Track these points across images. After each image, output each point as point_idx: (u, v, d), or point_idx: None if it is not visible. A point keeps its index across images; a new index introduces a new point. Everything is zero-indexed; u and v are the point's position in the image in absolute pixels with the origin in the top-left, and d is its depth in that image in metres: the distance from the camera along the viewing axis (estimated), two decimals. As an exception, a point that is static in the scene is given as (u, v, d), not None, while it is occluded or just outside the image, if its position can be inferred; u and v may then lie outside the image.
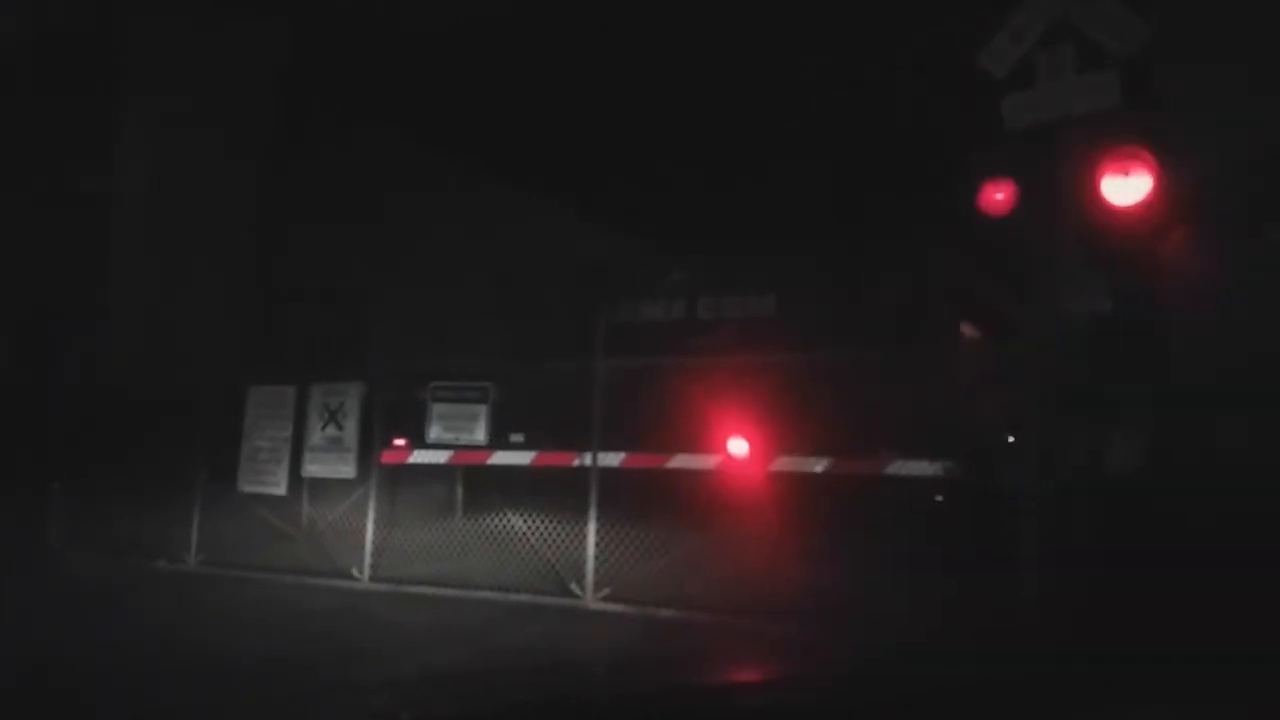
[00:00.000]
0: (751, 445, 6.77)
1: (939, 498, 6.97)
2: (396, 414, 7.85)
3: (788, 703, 1.91)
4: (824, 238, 12.46)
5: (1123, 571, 4.76)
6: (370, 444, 7.72)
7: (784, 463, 6.73)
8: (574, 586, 6.75)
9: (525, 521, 7.22)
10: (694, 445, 7.00)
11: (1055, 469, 5.10)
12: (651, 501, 7.04)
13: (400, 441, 7.88)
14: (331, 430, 7.86)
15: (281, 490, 8.10)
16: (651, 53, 12.16)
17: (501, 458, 7.53)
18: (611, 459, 7.00)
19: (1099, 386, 5.30)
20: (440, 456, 7.68)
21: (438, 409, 7.58)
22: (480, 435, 7.44)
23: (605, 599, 6.65)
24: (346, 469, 7.78)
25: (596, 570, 6.70)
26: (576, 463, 7.08)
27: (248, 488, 8.22)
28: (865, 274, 10.30)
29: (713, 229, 13.01)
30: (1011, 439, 5.75)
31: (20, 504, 9.09)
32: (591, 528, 6.77)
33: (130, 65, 12.91)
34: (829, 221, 12.93)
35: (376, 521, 7.61)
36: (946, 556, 5.79)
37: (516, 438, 7.64)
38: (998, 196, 5.27)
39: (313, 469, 7.98)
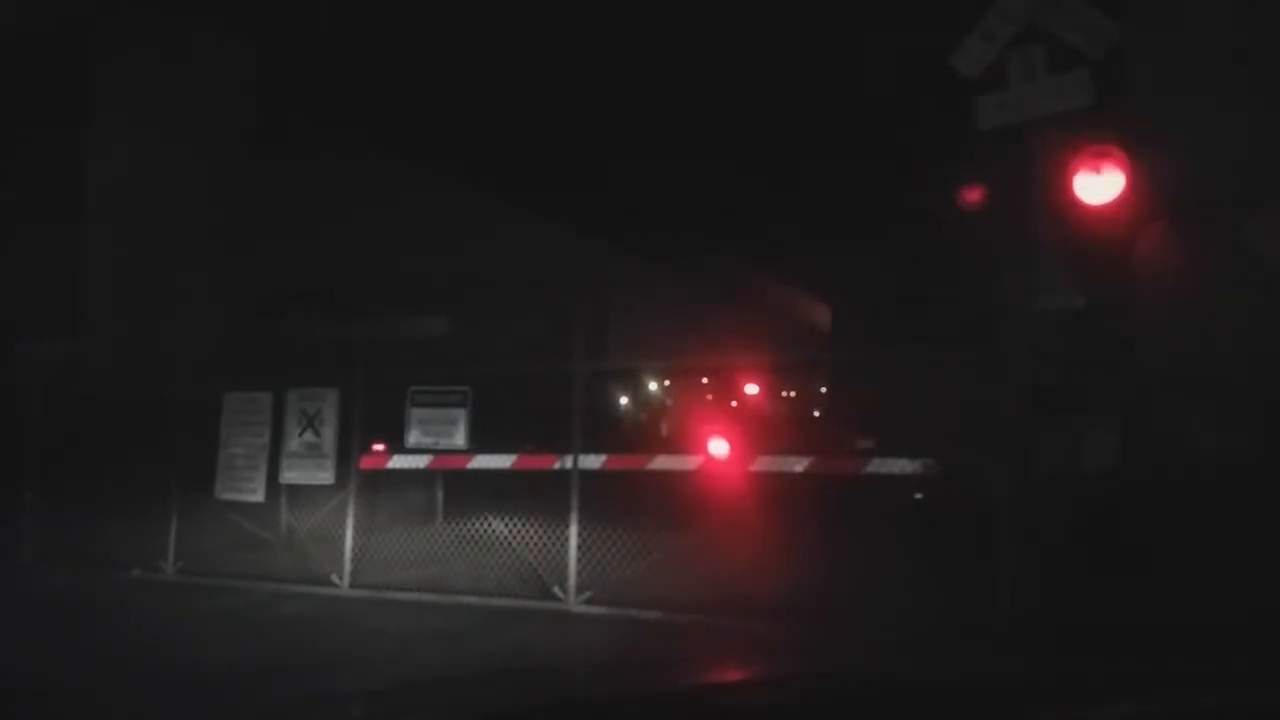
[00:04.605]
0: (731, 445, 6.79)
1: (919, 495, 7.02)
2: (375, 418, 7.80)
3: (770, 704, 1.91)
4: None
5: (1097, 567, 4.81)
6: (349, 449, 7.66)
7: (764, 462, 6.76)
8: (556, 590, 6.73)
9: (506, 525, 7.19)
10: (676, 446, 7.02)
11: (1030, 467, 5.15)
12: (633, 503, 7.04)
13: (379, 446, 7.83)
14: (309, 436, 7.80)
15: (259, 497, 8.03)
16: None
17: (482, 461, 7.50)
18: (592, 461, 6.99)
19: (1072, 385, 5.35)
20: (420, 461, 7.63)
21: (417, 413, 7.53)
22: (460, 439, 7.40)
23: (588, 602, 6.63)
24: (325, 475, 7.72)
25: (579, 573, 6.68)
26: (557, 465, 7.07)
27: (225, 495, 8.13)
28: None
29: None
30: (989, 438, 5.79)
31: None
32: (573, 530, 6.76)
33: (101, 71, 12.74)
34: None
35: (356, 527, 7.56)
36: (926, 554, 5.83)
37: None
38: (971, 196, 5.32)
39: (291, 475, 7.92)
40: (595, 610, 6.56)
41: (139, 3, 12.29)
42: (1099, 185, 4.94)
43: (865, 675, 2.14)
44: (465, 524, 7.46)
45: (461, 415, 7.41)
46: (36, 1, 12.15)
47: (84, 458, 8.65)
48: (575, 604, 6.64)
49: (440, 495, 9.40)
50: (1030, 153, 5.24)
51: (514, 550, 7.09)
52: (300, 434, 7.84)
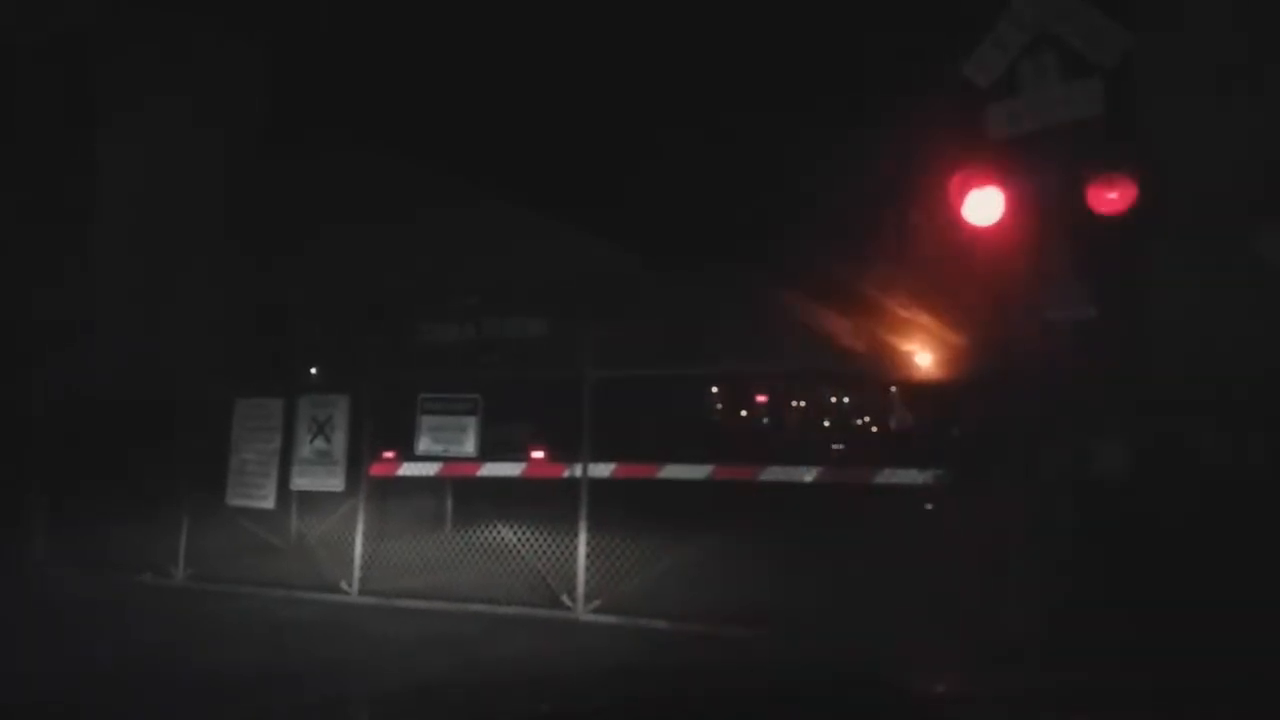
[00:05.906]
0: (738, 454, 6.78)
1: (929, 506, 6.98)
2: (385, 425, 7.81)
3: (777, 713, 1.90)
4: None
5: (1109, 578, 4.77)
6: (359, 456, 7.67)
7: (774, 472, 6.73)
8: (565, 598, 6.72)
9: (515, 533, 7.19)
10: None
11: (1040, 478, 5.11)
12: (643, 512, 7.02)
13: (389, 454, 7.85)
14: (320, 443, 7.82)
15: (270, 503, 8.05)
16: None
17: (491, 469, 7.50)
18: (602, 469, 6.98)
19: (1082, 394, 5.31)
20: (430, 469, 7.64)
21: (427, 421, 7.55)
22: (470, 447, 7.41)
23: (596, 610, 6.62)
24: (335, 481, 7.74)
25: (587, 582, 6.67)
26: (567, 474, 7.06)
27: (235, 501, 8.16)
28: None
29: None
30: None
31: (1, 518, 8.99)
32: (582, 539, 6.74)
33: (109, 77, 12.87)
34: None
35: (366, 534, 7.57)
36: (938, 565, 5.79)
37: None
38: (986, 205, 5.29)
39: (301, 482, 7.94)
40: (604, 619, 6.54)
41: (140, 4, 12.39)
42: (1111, 195, 4.91)
43: (874, 685, 2.13)
44: (474, 532, 7.47)
45: (471, 423, 7.43)
46: (39, 8, 12.27)
47: (93, 461, 8.69)
48: (584, 613, 6.63)
49: (450, 502, 9.42)
50: (1043, 162, 5.21)
51: (523, 558, 7.08)
52: (311, 440, 7.86)
